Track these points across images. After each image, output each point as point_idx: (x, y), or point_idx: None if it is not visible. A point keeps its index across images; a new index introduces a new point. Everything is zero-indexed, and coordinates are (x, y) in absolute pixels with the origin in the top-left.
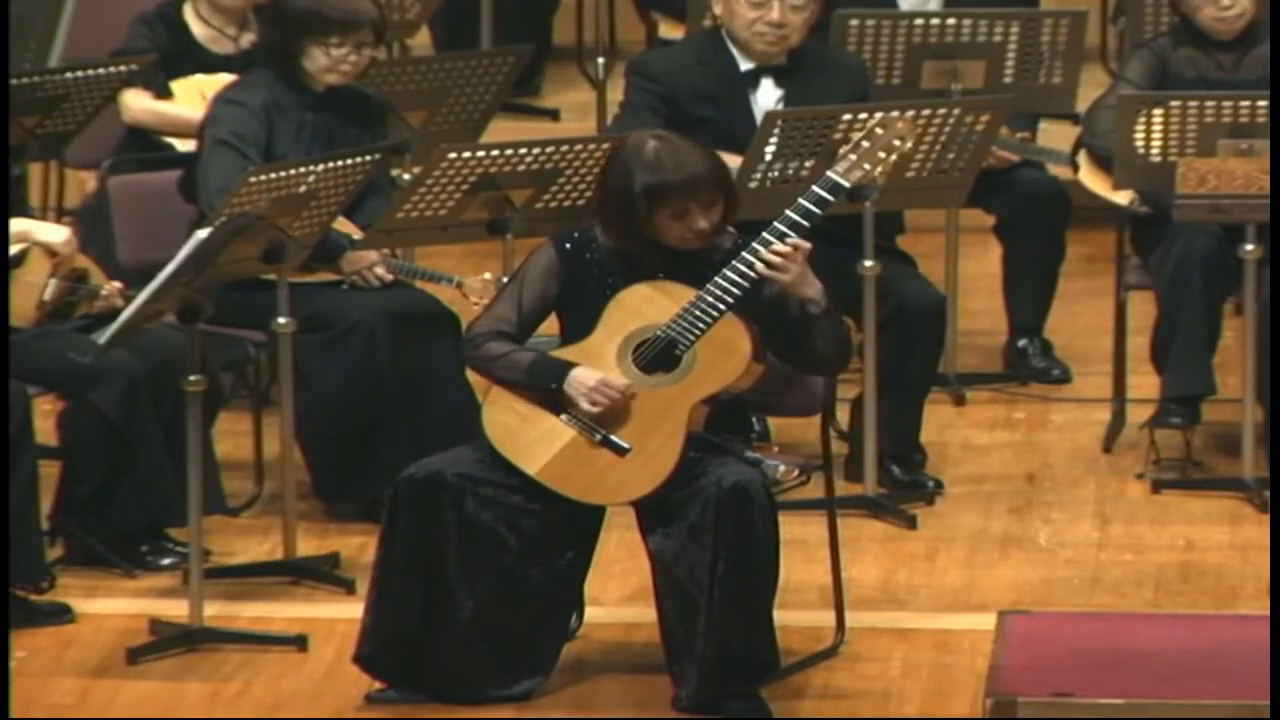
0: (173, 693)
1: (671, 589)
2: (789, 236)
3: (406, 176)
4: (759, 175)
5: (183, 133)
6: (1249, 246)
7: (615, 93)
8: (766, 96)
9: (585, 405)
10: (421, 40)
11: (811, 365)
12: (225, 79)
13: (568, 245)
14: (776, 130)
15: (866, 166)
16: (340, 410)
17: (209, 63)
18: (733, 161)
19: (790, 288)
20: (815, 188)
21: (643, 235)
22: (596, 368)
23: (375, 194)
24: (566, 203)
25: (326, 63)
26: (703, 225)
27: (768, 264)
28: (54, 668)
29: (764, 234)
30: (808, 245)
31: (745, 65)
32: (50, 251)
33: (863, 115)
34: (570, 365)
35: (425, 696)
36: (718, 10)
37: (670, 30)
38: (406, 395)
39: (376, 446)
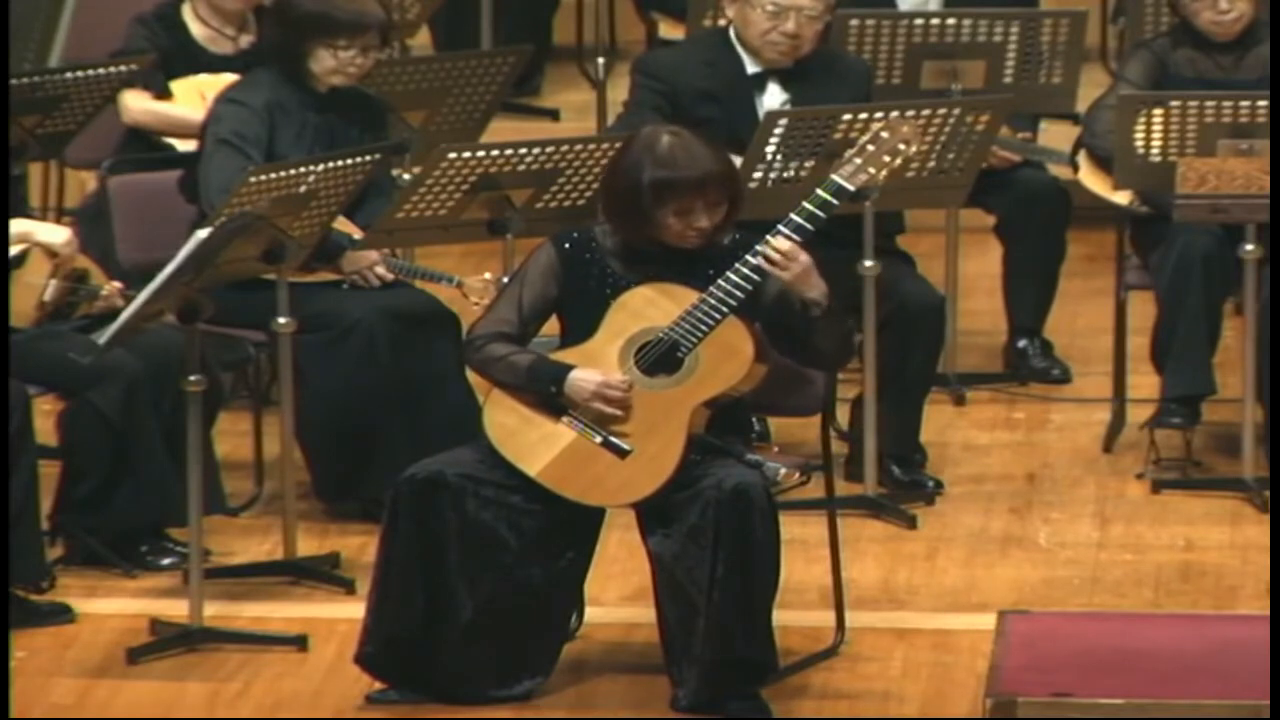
0: (173, 693)
1: (671, 590)
2: (791, 239)
3: (406, 176)
4: (759, 175)
5: (182, 133)
6: (1249, 246)
7: (615, 93)
8: (773, 99)
9: (594, 407)
10: (421, 40)
11: (811, 361)
12: (225, 79)
13: (567, 245)
14: (777, 130)
15: (871, 170)
16: (340, 410)
17: (208, 63)
18: (734, 162)
19: (792, 286)
20: (819, 190)
21: (645, 229)
22: (598, 370)
23: (376, 194)
24: (566, 203)
25: (333, 64)
26: (704, 224)
27: (768, 259)
28: (54, 668)
29: (767, 238)
30: (806, 257)
31: (752, 68)
32: (50, 252)
33: (863, 115)
34: (568, 367)
35: (425, 696)
36: (730, 14)
37: (670, 30)
38: (406, 395)
39: (376, 446)
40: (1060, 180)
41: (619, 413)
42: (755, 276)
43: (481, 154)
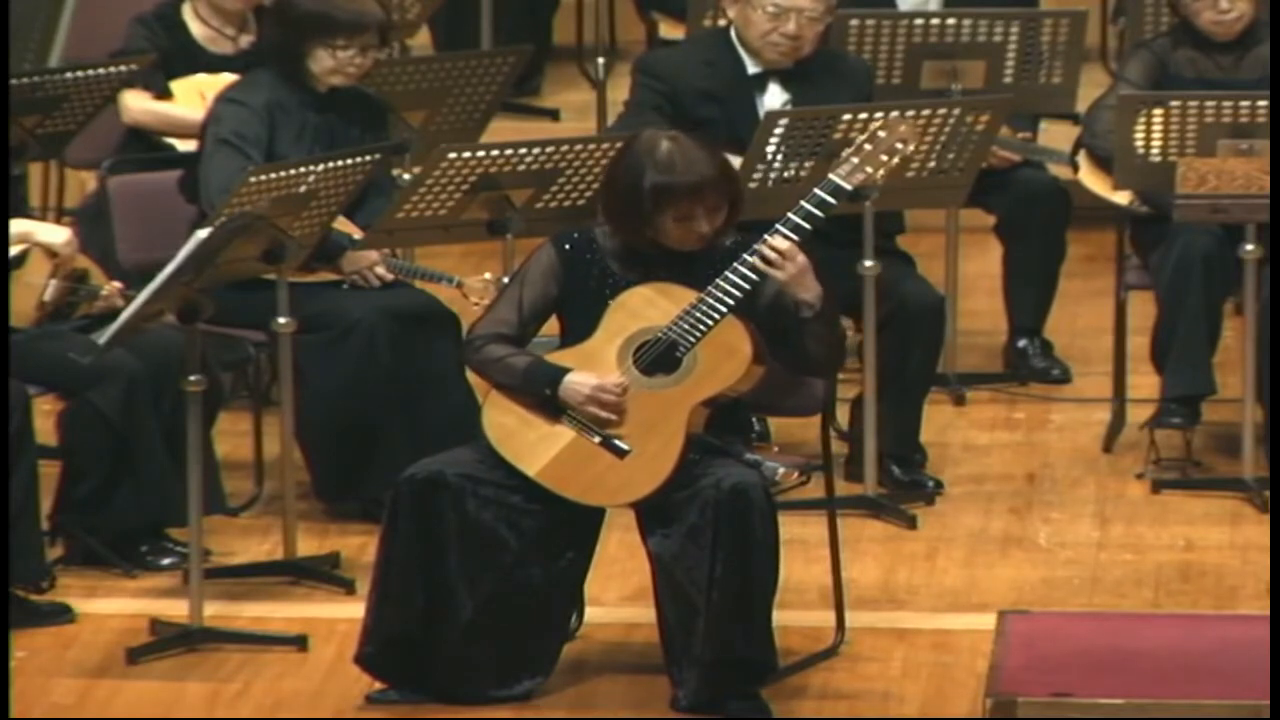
0: (173, 693)
1: (671, 590)
2: (789, 238)
3: (406, 176)
4: (759, 175)
5: (182, 133)
6: (1249, 246)
7: (615, 93)
8: (773, 99)
9: (589, 410)
10: (421, 40)
11: (801, 366)
12: (225, 79)
13: (567, 246)
14: (777, 130)
15: (869, 169)
16: (340, 410)
17: (208, 63)
18: (735, 162)
19: (786, 286)
20: (817, 190)
21: (645, 232)
22: (597, 370)
23: (376, 194)
24: (566, 203)
25: (332, 64)
26: (704, 229)
27: (764, 259)
28: (54, 668)
29: (765, 237)
30: (803, 259)
31: (753, 68)
32: (51, 252)
33: (863, 115)
34: (564, 370)
35: (425, 696)
36: (731, 14)
37: (670, 30)
38: (406, 395)
39: (376, 446)
40: (1060, 180)
41: (614, 416)
42: (753, 276)
43: (481, 154)
